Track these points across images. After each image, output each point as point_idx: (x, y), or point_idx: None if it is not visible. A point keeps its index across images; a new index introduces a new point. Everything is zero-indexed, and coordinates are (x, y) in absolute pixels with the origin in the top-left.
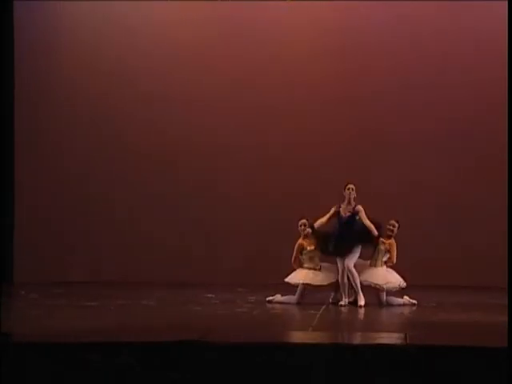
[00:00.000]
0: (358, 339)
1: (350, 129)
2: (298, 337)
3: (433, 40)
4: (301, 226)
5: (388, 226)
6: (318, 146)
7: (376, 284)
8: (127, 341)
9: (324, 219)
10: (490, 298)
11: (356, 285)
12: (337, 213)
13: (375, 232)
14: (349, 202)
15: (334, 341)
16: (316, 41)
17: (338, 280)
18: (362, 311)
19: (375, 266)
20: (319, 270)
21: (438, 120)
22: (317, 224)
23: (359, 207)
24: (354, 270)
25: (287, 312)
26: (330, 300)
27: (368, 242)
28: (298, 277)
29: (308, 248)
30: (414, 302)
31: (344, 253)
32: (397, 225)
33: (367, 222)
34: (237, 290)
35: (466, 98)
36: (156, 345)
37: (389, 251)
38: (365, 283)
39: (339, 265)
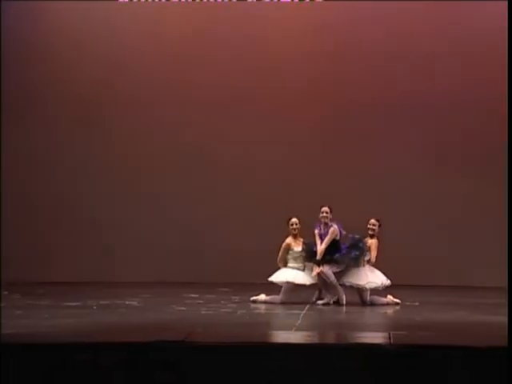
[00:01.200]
0: (341, 339)
1: (337, 128)
2: (281, 337)
3: (426, 45)
4: (292, 225)
5: (368, 226)
6: (303, 146)
7: (358, 284)
8: (110, 341)
9: (318, 242)
10: (473, 298)
11: (332, 283)
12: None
13: (318, 257)
14: (326, 224)
15: (318, 341)
16: (304, 41)
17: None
18: (344, 310)
19: (357, 266)
20: (303, 270)
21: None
22: (319, 252)
23: (331, 229)
24: (329, 272)
25: (271, 312)
26: (314, 299)
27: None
28: (282, 276)
29: (295, 248)
30: (398, 301)
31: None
32: (377, 223)
33: (322, 247)
34: (221, 289)
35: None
36: (139, 345)
37: (369, 250)
38: (347, 284)
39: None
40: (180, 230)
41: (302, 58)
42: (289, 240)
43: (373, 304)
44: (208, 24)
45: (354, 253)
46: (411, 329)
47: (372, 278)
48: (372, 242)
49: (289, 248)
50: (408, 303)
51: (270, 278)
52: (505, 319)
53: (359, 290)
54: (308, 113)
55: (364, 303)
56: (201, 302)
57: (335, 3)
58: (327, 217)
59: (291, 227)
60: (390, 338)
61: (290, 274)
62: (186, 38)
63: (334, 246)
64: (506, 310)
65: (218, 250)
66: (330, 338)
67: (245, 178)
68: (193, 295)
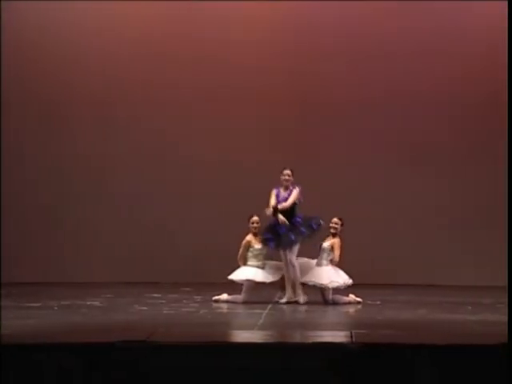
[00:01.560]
0: (303, 338)
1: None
2: (243, 336)
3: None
4: (253, 223)
5: (331, 225)
6: (272, 147)
7: (321, 284)
8: (71, 342)
9: (272, 201)
10: (433, 296)
11: (296, 280)
12: (277, 198)
13: (280, 208)
14: (286, 188)
15: (280, 340)
16: (281, 41)
17: (283, 278)
18: (305, 309)
19: (320, 265)
20: (263, 268)
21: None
22: (277, 208)
23: (296, 190)
24: (296, 265)
25: (233, 311)
26: (277, 299)
27: (308, 234)
28: (242, 274)
29: (255, 246)
30: (360, 300)
31: (285, 245)
32: (340, 222)
33: (288, 203)
34: (183, 289)
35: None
36: (101, 345)
37: (332, 250)
38: (310, 283)
39: (283, 260)
40: (142, 230)
41: (278, 58)
42: (249, 237)
43: (335, 303)
44: (179, 23)
45: (304, 229)
46: (373, 327)
47: (335, 277)
48: (335, 242)
49: (249, 245)
50: (370, 302)
51: (230, 277)
52: (464, 317)
53: (322, 289)
54: (281, 113)
55: (326, 302)
56: (163, 301)
57: (310, 3)
58: (289, 180)
59: (252, 225)
60: (351, 336)
61: (250, 272)
62: (154, 36)
63: (292, 211)
64: (465, 308)
65: (181, 249)
66: (292, 338)
67: (206, 178)
68: (155, 295)
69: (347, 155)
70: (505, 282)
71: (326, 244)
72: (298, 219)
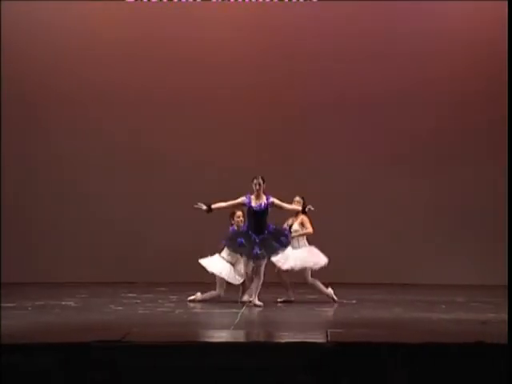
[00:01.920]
0: (279, 337)
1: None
2: (219, 336)
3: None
4: (238, 217)
5: (295, 202)
6: (245, 146)
7: (309, 267)
8: (46, 342)
9: (224, 204)
10: (409, 295)
11: (258, 286)
12: (248, 206)
13: (298, 208)
14: (258, 195)
15: (256, 339)
16: (256, 42)
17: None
18: (282, 308)
19: (297, 247)
20: (234, 264)
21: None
22: (215, 206)
23: (275, 199)
24: (262, 274)
25: (209, 311)
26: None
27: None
28: (215, 267)
29: None
30: (335, 298)
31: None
32: (302, 201)
33: (288, 206)
34: (159, 289)
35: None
36: (76, 345)
37: (303, 225)
38: (296, 268)
39: (248, 268)
40: (117, 230)
41: (252, 58)
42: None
43: (314, 287)
44: (153, 23)
45: (275, 243)
46: (348, 326)
47: (316, 258)
48: (302, 218)
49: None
50: (345, 301)
51: (202, 262)
52: (438, 316)
53: (303, 270)
54: (254, 114)
55: (307, 283)
56: (138, 301)
57: (287, 3)
58: (261, 188)
59: (238, 219)
60: (327, 336)
61: (222, 268)
62: (129, 36)
63: (266, 218)
64: (439, 308)
65: (156, 249)
66: (268, 337)
67: (181, 177)
68: (130, 295)
69: (338, 156)
70: (480, 281)
71: (296, 224)
72: (271, 228)
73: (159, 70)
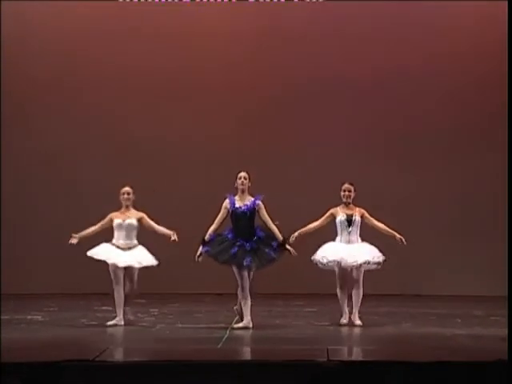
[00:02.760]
0: (275, 355)
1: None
2: (207, 354)
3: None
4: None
5: (344, 193)
6: (230, 142)
7: (378, 262)
8: (9, 361)
9: (215, 226)
10: (419, 308)
11: (247, 307)
12: (232, 209)
13: (280, 237)
14: (242, 193)
15: (247, 358)
16: (229, 26)
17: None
18: (277, 322)
19: (355, 241)
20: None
21: None
22: (207, 236)
23: (260, 204)
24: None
25: (195, 326)
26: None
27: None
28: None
29: None
30: (359, 323)
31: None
32: (352, 188)
33: (272, 227)
34: (137, 301)
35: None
36: (43, 365)
37: (364, 217)
38: (365, 265)
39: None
40: (91, 240)
41: (228, 43)
42: None
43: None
44: (144, 15)
45: (268, 249)
46: (351, 343)
47: (375, 251)
48: (361, 211)
49: None
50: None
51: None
52: (452, 331)
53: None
54: (237, 104)
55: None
56: (114, 315)
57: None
58: (245, 184)
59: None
60: (327, 354)
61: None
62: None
63: (253, 221)
64: (454, 322)
65: None
66: (263, 355)
67: (162, 182)
68: (104, 308)
69: (338, 156)
70: (499, 293)
71: (357, 215)
72: (260, 234)
73: (138, 64)
